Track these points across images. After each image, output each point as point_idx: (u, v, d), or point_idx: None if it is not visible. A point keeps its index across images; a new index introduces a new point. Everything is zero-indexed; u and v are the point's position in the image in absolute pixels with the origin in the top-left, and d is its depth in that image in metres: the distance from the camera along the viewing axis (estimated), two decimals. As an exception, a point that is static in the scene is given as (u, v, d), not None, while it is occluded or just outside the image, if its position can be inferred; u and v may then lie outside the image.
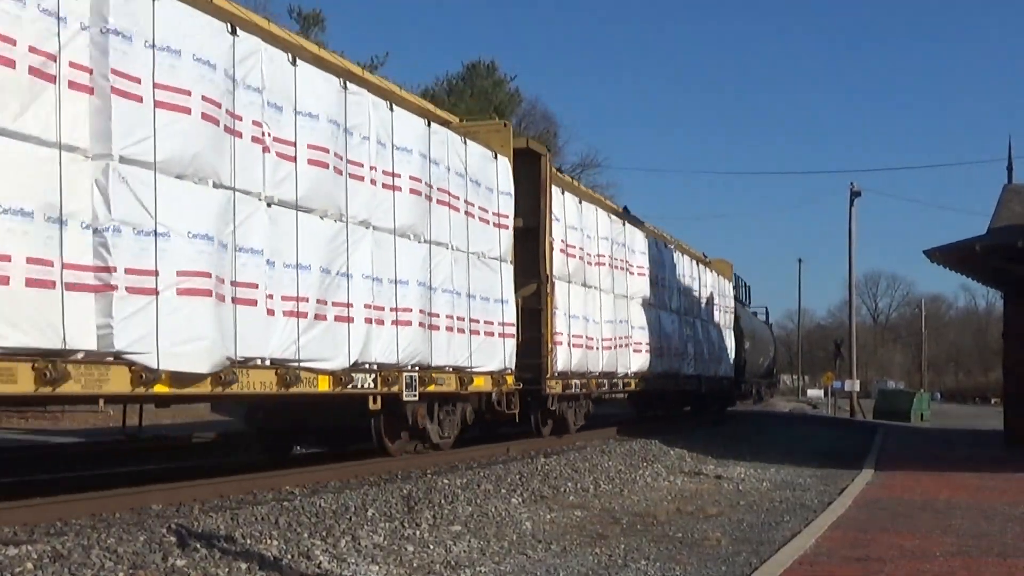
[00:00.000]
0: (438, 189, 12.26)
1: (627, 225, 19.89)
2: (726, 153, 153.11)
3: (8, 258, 6.75)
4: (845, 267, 43.10)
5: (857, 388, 41.70)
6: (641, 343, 20.30)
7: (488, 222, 13.72)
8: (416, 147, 11.77)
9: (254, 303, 9.01)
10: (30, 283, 6.89)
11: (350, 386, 10.57)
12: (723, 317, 29.89)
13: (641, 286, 20.54)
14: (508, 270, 14.19)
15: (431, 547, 7.85)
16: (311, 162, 9.82)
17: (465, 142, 13.12)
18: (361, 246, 10.63)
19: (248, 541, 7.30)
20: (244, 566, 6.64)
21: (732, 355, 31.23)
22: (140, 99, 7.83)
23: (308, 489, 10.26)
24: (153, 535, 6.98)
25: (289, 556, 7.09)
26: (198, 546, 6.91)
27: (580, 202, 17.34)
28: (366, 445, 12.68)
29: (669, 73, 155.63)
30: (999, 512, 10.62)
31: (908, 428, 31.16)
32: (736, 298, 33.07)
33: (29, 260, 6.90)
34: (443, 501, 9.71)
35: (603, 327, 17.94)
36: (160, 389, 8.18)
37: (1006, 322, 23.00)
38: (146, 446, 13.39)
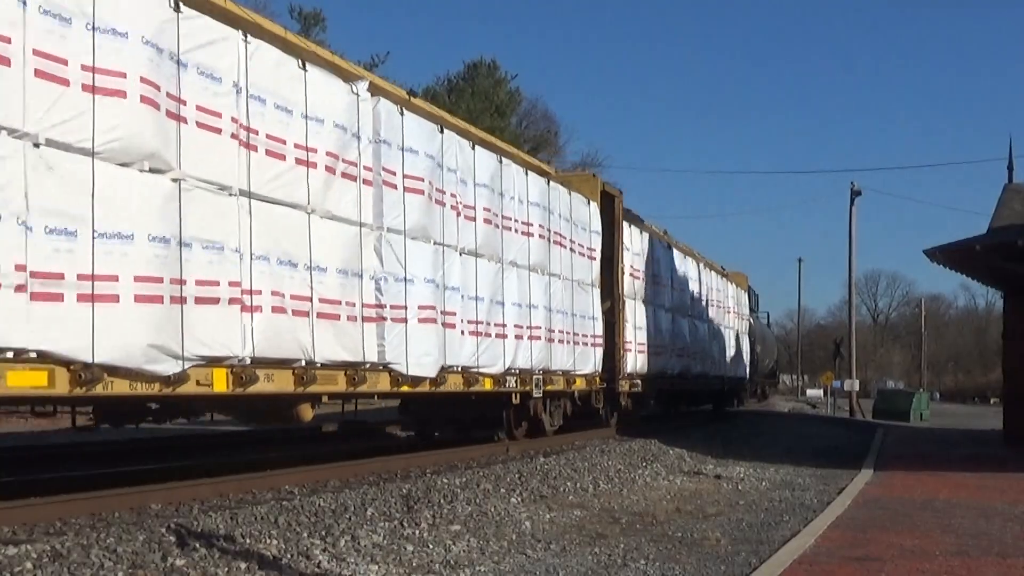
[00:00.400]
0: (554, 232, 15.83)
1: (674, 250, 23.79)
2: (726, 152, 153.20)
3: (339, 302, 10.16)
4: (845, 266, 43.04)
5: (857, 388, 41.62)
6: (684, 349, 24.33)
7: (584, 255, 17.33)
8: (540, 201, 15.33)
9: (454, 326, 12.46)
10: (349, 319, 10.32)
11: (504, 386, 14.21)
12: (741, 324, 34.01)
13: (684, 300, 24.70)
14: (597, 292, 17.72)
15: (430, 546, 7.85)
16: (484, 220, 13.50)
17: (570, 193, 16.72)
18: (509, 280, 14.14)
19: (247, 540, 7.30)
20: (243, 565, 6.64)
21: (748, 358, 35.38)
22: (395, 187, 11.27)
23: (307, 489, 10.26)
24: (152, 535, 6.98)
25: (288, 555, 7.09)
26: (197, 545, 6.91)
27: (640, 232, 20.93)
28: (487, 432, 15.98)
29: (670, 72, 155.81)
30: (999, 512, 10.62)
31: (908, 428, 31.14)
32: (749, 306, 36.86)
33: (347, 303, 10.29)
34: (442, 500, 9.71)
35: (658, 336, 21.73)
36: (405, 388, 11.67)
37: (1006, 322, 22.99)
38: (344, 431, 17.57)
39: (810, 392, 74.21)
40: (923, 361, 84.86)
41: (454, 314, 12.42)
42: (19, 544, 6.41)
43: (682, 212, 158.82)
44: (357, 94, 10.72)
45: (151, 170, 7.94)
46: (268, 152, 9.31)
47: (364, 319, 10.53)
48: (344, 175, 10.37)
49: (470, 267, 13.00)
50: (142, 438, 16.38)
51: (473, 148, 13.38)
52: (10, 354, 6.82)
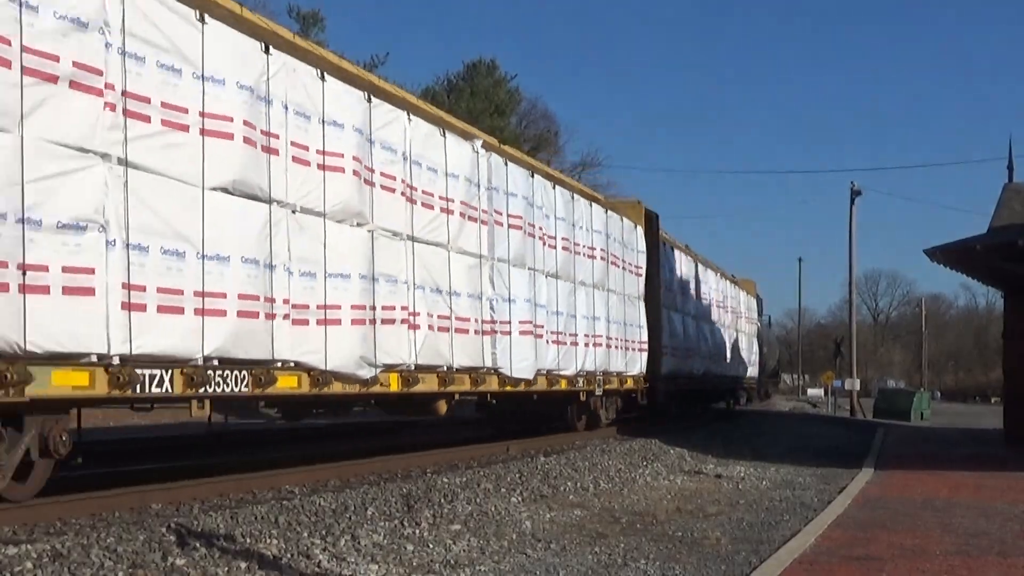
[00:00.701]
0: (611, 254, 18.78)
1: (697, 263, 27.32)
2: (727, 151, 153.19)
3: (468, 319, 12.96)
4: (845, 266, 43.08)
5: (857, 387, 41.65)
6: (706, 352, 27.83)
7: (633, 272, 20.30)
8: (601, 228, 18.28)
9: (542, 336, 15.21)
10: (473, 332, 13.17)
11: (575, 386, 17.12)
12: (751, 328, 37.89)
13: (706, 308, 28.34)
14: (642, 304, 20.67)
15: (431, 546, 7.85)
16: (562, 248, 16.45)
17: (621, 220, 19.56)
18: (579, 296, 17.06)
19: (248, 540, 7.30)
20: (243, 565, 6.64)
21: (757, 359, 39.38)
22: (502, 225, 14.10)
23: (308, 488, 10.27)
24: (153, 534, 6.98)
25: (289, 555, 7.09)
26: (198, 545, 6.91)
27: (672, 249, 24.41)
28: (552, 425, 18.65)
29: (670, 72, 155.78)
30: (999, 511, 10.62)
31: (908, 427, 31.16)
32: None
33: (472, 320, 13.10)
34: (443, 500, 9.71)
35: (687, 341, 25.17)
36: (508, 388, 14.37)
37: (1006, 321, 22.99)
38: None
39: (811, 391, 74.34)
40: (924, 360, 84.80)
41: (542, 326, 15.23)
42: (19, 544, 6.41)
43: (682, 212, 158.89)
44: (477, 152, 13.49)
45: (357, 224, 10.72)
46: (423, 204, 12.12)
47: (483, 332, 13.43)
48: (470, 218, 13.19)
49: (552, 287, 15.90)
50: (141, 438, 16.39)
51: (553, 187, 16.30)
52: (279, 364, 9.42)
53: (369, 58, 42.04)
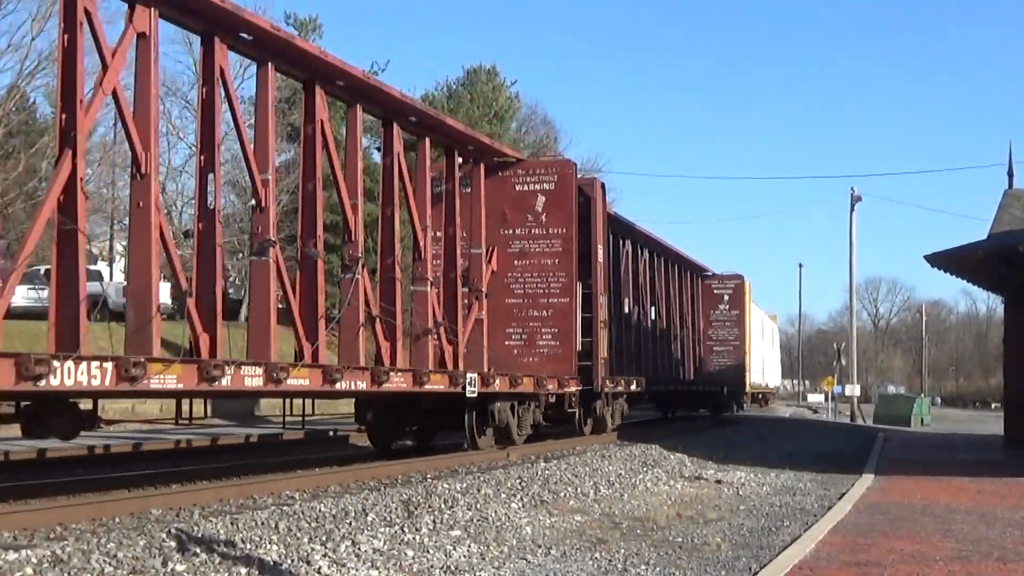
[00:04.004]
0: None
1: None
2: (727, 157, 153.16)
3: None
4: (846, 272, 43.18)
5: (857, 393, 41.70)
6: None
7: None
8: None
9: None
10: None
11: None
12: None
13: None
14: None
15: (431, 552, 7.85)
16: None
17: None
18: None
19: (248, 546, 7.30)
20: (244, 571, 6.64)
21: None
22: None
23: (308, 494, 10.26)
24: (153, 540, 6.98)
25: (289, 561, 7.10)
26: (198, 551, 6.91)
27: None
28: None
29: (669, 77, 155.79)
30: (999, 517, 10.61)
31: (909, 433, 31.14)
32: None
33: None
34: (443, 506, 9.71)
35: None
36: None
37: (1007, 327, 23.00)
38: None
39: (811, 397, 74.29)
40: (924, 366, 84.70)
41: None
42: (20, 549, 6.42)
43: (682, 217, 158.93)
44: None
45: None
46: None
47: None
48: None
49: None
50: (141, 440, 16.36)
51: None
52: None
53: (370, 66, 42.06)
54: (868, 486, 13.63)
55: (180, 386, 9.01)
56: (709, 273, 33.97)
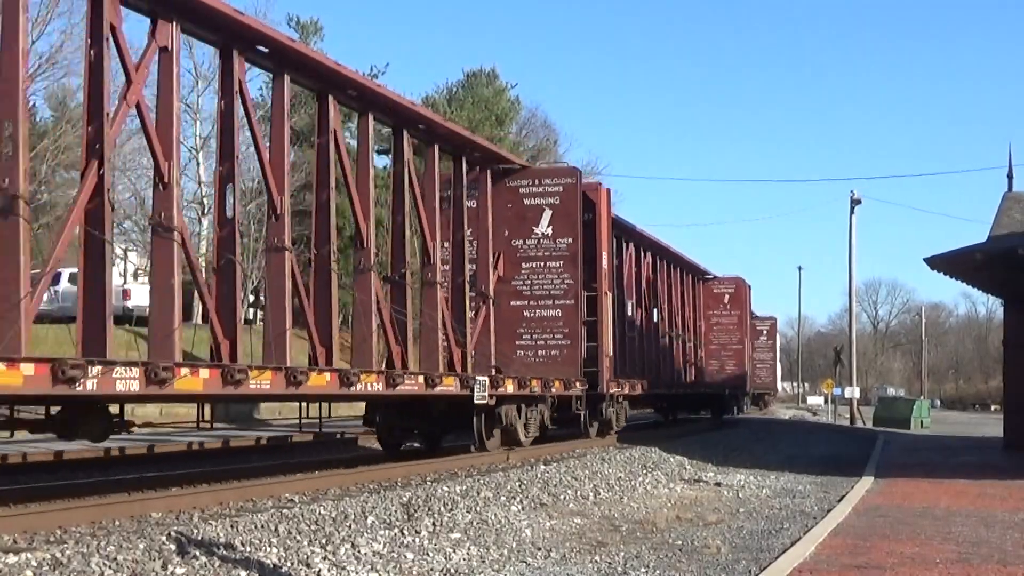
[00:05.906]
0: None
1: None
2: (726, 160, 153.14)
3: None
4: (845, 274, 43.16)
5: (857, 395, 41.65)
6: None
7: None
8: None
9: None
10: None
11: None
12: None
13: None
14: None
15: (431, 555, 7.84)
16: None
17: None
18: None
19: (247, 549, 7.30)
20: (243, 573, 6.64)
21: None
22: None
23: (308, 496, 10.26)
24: (153, 543, 6.98)
25: (288, 564, 7.09)
26: (197, 554, 6.91)
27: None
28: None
29: (670, 80, 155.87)
30: (999, 519, 10.61)
31: (908, 435, 31.12)
32: None
33: None
34: (443, 508, 9.70)
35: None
36: None
37: (1006, 330, 22.99)
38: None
39: (811, 400, 74.26)
40: (923, 369, 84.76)
41: None
42: (19, 552, 6.42)
43: (682, 220, 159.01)
44: None
45: None
46: None
47: None
48: None
49: None
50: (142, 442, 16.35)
51: None
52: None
53: (369, 69, 42.11)
54: (868, 489, 13.62)
55: (207, 391, 9.32)
56: (710, 276, 33.99)
